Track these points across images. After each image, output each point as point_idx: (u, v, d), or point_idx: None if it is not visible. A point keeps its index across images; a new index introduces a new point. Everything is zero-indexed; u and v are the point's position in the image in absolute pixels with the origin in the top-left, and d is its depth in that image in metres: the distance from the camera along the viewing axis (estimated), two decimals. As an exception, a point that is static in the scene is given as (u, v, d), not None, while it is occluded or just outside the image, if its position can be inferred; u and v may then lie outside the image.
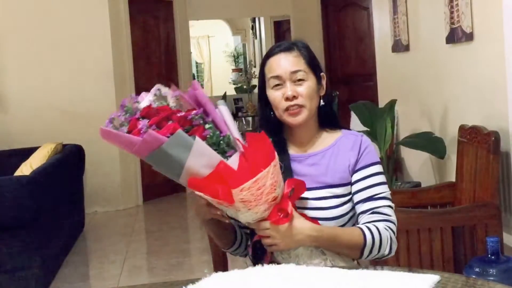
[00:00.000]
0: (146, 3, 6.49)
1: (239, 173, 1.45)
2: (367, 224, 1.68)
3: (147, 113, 1.50)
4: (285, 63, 1.71)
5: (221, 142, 1.50)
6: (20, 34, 5.85)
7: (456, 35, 3.79)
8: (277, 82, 1.72)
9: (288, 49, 1.74)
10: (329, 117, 1.80)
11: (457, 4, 3.74)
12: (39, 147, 4.75)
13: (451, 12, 3.83)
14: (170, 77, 6.80)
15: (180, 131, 1.44)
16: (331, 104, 1.83)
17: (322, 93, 1.77)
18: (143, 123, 1.46)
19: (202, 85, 12.49)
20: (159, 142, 1.42)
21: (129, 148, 1.47)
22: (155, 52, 6.67)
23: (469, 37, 3.62)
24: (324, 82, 1.78)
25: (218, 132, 1.50)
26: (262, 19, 10.74)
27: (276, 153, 1.52)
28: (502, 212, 3.17)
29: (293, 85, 1.70)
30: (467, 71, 3.78)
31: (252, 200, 1.45)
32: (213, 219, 1.63)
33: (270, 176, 1.46)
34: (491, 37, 3.41)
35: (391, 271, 1.44)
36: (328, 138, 1.79)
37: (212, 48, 12.93)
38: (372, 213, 1.70)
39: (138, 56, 6.34)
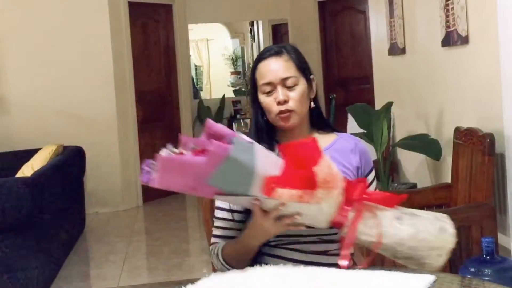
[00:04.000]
0: (146, 7, 6.52)
1: (310, 152, 1.41)
2: None
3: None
4: (276, 69, 1.70)
5: None
6: (21, 36, 5.88)
7: (452, 38, 3.83)
8: (268, 88, 1.70)
9: (278, 53, 1.71)
10: (320, 119, 1.81)
11: (452, 8, 3.78)
12: (40, 148, 4.77)
13: (447, 16, 3.87)
14: (169, 80, 6.84)
15: (237, 135, 1.39)
16: (326, 106, 1.85)
17: (313, 95, 1.76)
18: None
19: (201, 88, 12.55)
20: (226, 149, 1.33)
21: (194, 172, 1.34)
22: (154, 55, 6.70)
23: (465, 40, 3.65)
24: (314, 84, 1.77)
25: None
26: (260, 22, 10.75)
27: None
28: (497, 213, 3.20)
29: (285, 90, 1.69)
30: (462, 74, 3.81)
31: (331, 179, 1.41)
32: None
33: (332, 161, 1.46)
34: (486, 40, 3.44)
35: (387, 271, 1.45)
36: (323, 140, 1.77)
37: (211, 51, 12.93)
38: None
39: (138, 59, 6.36)
